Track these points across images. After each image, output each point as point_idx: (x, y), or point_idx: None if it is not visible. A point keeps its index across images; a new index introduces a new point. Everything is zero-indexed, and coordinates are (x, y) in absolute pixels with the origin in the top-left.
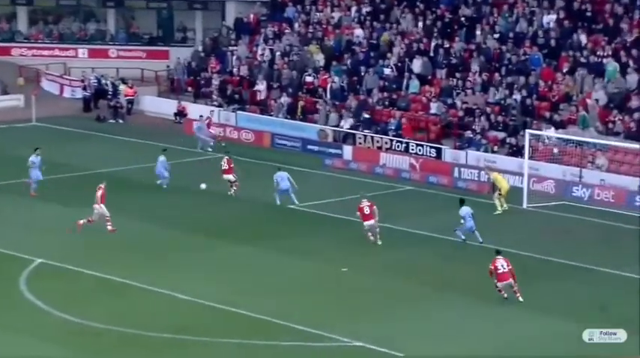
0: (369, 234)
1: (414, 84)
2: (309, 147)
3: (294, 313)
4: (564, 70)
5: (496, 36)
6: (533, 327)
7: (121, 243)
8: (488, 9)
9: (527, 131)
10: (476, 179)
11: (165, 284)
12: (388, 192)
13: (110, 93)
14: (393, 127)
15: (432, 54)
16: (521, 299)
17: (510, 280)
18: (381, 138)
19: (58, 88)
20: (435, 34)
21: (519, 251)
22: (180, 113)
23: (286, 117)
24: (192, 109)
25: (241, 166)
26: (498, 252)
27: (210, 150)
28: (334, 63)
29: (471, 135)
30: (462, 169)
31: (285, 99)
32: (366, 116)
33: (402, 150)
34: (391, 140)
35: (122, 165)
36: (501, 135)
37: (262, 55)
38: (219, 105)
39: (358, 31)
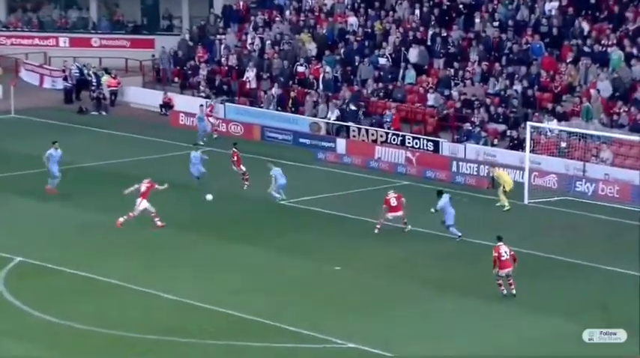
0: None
1: (411, 74)
2: (301, 140)
3: (286, 313)
4: (567, 60)
5: (496, 24)
6: (533, 327)
7: (105, 240)
8: None
9: (529, 123)
10: (475, 173)
11: (151, 284)
12: (383, 187)
13: (93, 84)
14: (388, 119)
15: (429, 43)
16: (514, 292)
17: (512, 268)
18: (376, 130)
19: (38, 78)
20: (433, 22)
21: (520, 248)
22: (167, 104)
23: (277, 109)
24: (179, 101)
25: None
26: (500, 238)
27: (201, 143)
28: (327, 52)
29: (470, 128)
30: (461, 163)
31: (275, 91)
32: (353, 107)
33: (398, 143)
34: (387, 133)
35: (106, 159)
36: (501, 127)
37: (252, 44)
38: (207, 97)
39: (352, 19)
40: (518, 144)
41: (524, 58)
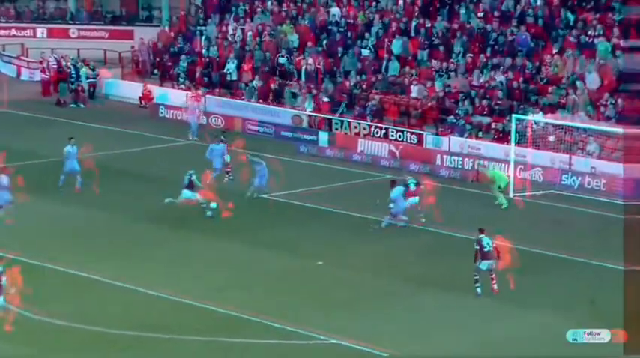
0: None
1: (394, 66)
2: (283, 133)
3: (269, 309)
4: (553, 51)
5: (480, 15)
6: (521, 323)
7: (84, 235)
8: None
9: (514, 116)
10: (459, 167)
11: (132, 280)
12: (366, 181)
13: (72, 76)
14: (369, 112)
15: (412, 34)
16: (495, 286)
17: (494, 260)
18: (359, 123)
19: (15, 69)
20: (416, 13)
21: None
22: (146, 97)
23: (258, 102)
24: (158, 93)
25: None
26: (482, 230)
27: (192, 138)
28: (309, 44)
29: (454, 121)
30: (445, 156)
31: (257, 83)
32: (325, 99)
33: (382, 136)
34: (370, 126)
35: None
36: (486, 120)
37: (233, 35)
38: (187, 89)
39: (335, 10)
40: (503, 137)
41: (509, 49)
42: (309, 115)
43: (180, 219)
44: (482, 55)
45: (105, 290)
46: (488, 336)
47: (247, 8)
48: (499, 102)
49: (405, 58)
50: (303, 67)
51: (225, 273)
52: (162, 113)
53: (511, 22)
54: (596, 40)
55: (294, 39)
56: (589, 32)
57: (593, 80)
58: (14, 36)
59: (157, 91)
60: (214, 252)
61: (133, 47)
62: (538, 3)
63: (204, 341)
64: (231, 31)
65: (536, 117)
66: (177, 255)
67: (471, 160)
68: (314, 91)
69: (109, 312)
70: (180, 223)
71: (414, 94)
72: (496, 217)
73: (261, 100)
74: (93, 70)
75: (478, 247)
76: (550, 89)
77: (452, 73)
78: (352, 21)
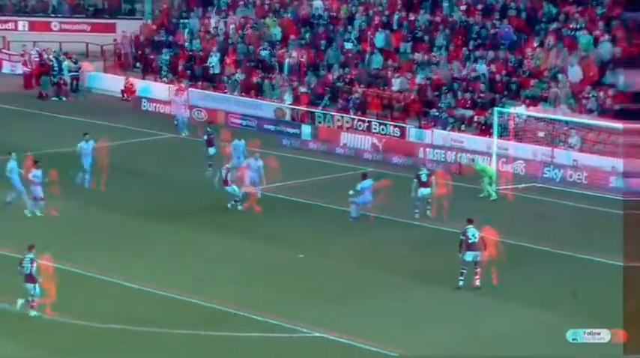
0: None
1: (377, 59)
2: (266, 126)
3: (253, 302)
4: (535, 44)
5: (463, 7)
6: (509, 316)
7: (68, 229)
8: None
9: (496, 109)
10: (442, 160)
11: (117, 274)
12: (349, 174)
13: (55, 69)
14: (352, 105)
15: (395, 27)
16: (477, 283)
17: (479, 251)
18: (342, 116)
19: None
20: (399, 6)
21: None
22: (128, 90)
23: (241, 95)
24: (141, 86)
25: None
26: (470, 221)
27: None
28: (292, 37)
29: (437, 114)
30: (428, 149)
31: (239, 76)
32: (302, 89)
33: (364, 129)
34: (353, 119)
35: (68, 145)
36: (469, 113)
37: (216, 28)
38: (170, 82)
39: (317, 3)
40: (486, 130)
41: (492, 42)
42: (292, 108)
43: (167, 214)
44: (464, 48)
45: (91, 285)
46: (479, 328)
47: (230, 1)
48: (481, 95)
49: (388, 51)
50: (286, 60)
51: (210, 267)
52: (144, 106)
53: (494, 15)
54: (578, 33)
55: (277, 32)
56: (571, 25)
57: (575, 73)
58: None
59: (140, 84)
60: (198, 246)
61: (115, 40)
62: None
63: (188, 335)
64: (213, 24)
65: (518, 110)
66: (162, 248)
67: (454, 153)
68: (294, 84)
69: (94, 306)
70: (165, 217)
71: (395, 87)
72: (479, 209)
73: (243, 93)
74: (75, 63)
75: (463, 238)
76: (532, 82)
77: (434, 66)
78: (335, 14)
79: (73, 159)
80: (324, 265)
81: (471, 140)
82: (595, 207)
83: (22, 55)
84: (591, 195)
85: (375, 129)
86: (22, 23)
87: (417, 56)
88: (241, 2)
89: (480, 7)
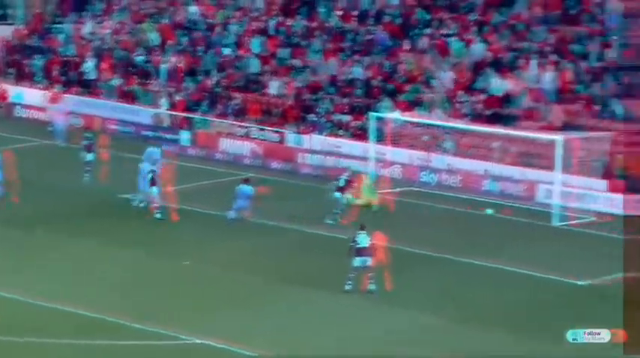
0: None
1: (254, 63)
2: (144, 132)
3: (132, 310)
4: (409, 49)
5: (339, 13)
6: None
7: None
8: None
9: (372, 114)
10: (321, 165)
11: None
12: (229, 180)
13: None
14: (231, 111)
15: (271, 32)
16: (372, 287)
17: (368, 257)
18: (221, 122)
19: None
20: (276, 12)
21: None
22: (1, 96)
23: (118, 101)
24: (14, 92)
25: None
26: (362, 227)
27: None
28: (169, 42)
29: (315, 119)
30: (306, 155)
31: (116, 81)
32: (178, 98)
33: (243, 135)
34: (231, 124)
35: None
36: (346, 118)
37: (92, 33)
38: (45, 88)
39: (193, 8)
40: (362, 135)
41: (367, 47)
42: (171, 114)
43: (45, 221)
44: (340, 53)
45: None
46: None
47: (105, 6)
48: (358, 100)
49: (265, 57)
50: (163, 66)
51: (86, 275)
52: (17, 112)
53: (369, 21)
54: (450, 39)
55: (154, 37)
56: (443, 31)
57: (447, 78)
58: None
59: (13, 90)
60: (76, 253)
61: None
62: (396, 2)
63: (63, 344)
64: (89, 29)
65: (394, 115)
66: (39, 256)
67: (332, 158)
68: (170, 89)
69: None
70: (39, 224)
71: (272, 91)
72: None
73: (120, 99)
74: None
75: (353, 243)
76: (407, 87)
77: (311, 71)
78: (211, 20)
79: None
80: (207, 271)
81: (348, 145)
82: (472, 211)
83: None
84: (467, 198)
85: (254, 134)
86: None
87: (294, 61)
88: (117, 7)
89: (355, 12)
